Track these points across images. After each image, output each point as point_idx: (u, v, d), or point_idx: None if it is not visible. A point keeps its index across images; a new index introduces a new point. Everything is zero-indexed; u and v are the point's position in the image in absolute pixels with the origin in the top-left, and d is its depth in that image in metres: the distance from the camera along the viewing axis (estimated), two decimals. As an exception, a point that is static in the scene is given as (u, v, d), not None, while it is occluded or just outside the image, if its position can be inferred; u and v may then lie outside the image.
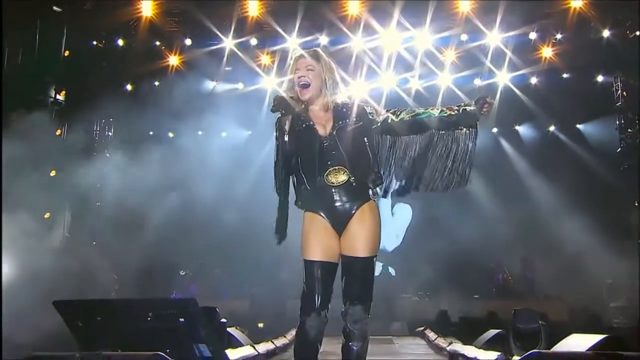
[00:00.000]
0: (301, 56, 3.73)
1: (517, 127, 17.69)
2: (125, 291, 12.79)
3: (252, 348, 7.78)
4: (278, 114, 3.58)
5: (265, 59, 14.24)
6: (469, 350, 7.78)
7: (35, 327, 7.32)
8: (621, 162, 14.45)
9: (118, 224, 12.26)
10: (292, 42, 12.87)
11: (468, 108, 3.66)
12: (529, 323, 7.56)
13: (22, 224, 10.71)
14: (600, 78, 15.16)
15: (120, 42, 13.71)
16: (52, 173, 11.94)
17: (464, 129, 3.72)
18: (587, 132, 16.60)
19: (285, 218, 3.70)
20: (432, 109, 3.71)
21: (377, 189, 3.67)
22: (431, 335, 11.23)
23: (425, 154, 3.76)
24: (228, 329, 7.71)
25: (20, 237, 10.37)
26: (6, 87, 9.92)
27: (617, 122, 14.65)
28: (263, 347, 8.29)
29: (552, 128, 17.25)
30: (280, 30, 12.86)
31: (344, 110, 3.67)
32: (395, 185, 3.81)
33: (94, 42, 13.35)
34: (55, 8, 11.70)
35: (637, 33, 13.17)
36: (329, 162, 3.54)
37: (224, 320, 7.58)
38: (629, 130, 14.28)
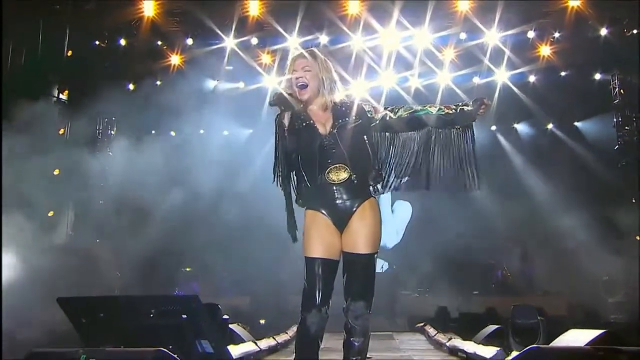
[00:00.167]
0: (298, 56, 3.73)
1: (515, 125, 17.69)
2: (128, 288, 12.80)
3: (253, 344, 7.78)
4: (278, 112, 3.58)
5: (265, 58, 14.23)
6: (468, 345, 7.79)
7: (39, 323, 7.34)
8: (619, 160, 14.45)
9: (121, 222, 12.26)
10: (293, 42, 12.87)
11: (465, 108, 3.66)
12: (528, 319, 7.57)
13: (26, 222, 10.74)
14: (597, 76, 15.15)
15: (123, 42, 13.70)
16: (56, 172, 11.94)
17: (460, 128, 3.72)
18: (585, 129, 16.59)
19: (293, 217, 3.72)
20: (430, 107, 3.71)
21: (378, 186, 3.67)
22: (431, 331, 11.23)
23: (424, 151, 3.76)
24: (230, 326, 7.72)
25: (24, 235, 10.40)
26: (9, 86, 9.93)
27: (615, 120, 14.64)
28: (265, 343, 8.30)
29: (550, 126, 17.24)
30: (281, 30, 12.86)
31: (343, 109, 3.68)
32: (395, 182, 3.81)
33: (97, 42, 13.35)
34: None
35: (635, 31, 13.17)
36: (329, 160, 3.54)
37: (226, 316, 7.58)
38: (626, 127, 14.27)
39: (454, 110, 3.67)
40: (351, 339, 3.48)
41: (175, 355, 3.43)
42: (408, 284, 16.44)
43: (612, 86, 14.74)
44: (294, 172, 3.66)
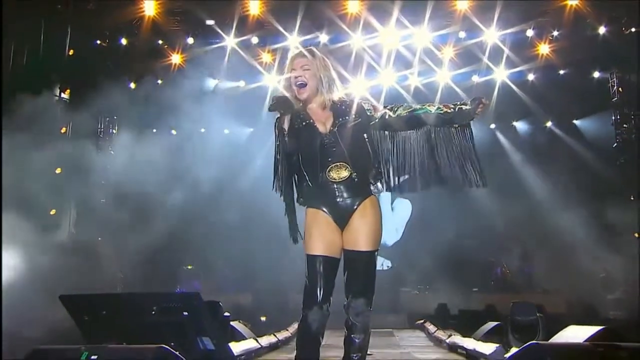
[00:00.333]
0: (297, 55, 3.73)
1: (514, 123, 17.69)
2: (130, 286, 12.81)
3: (255, 341, 7.80)
4: (277, 116, 3.58)
5: (266, 57, 14.22)
6: (468, 342, 7.80)
7: (41, 321, 7.34)
8: (617, 157, 14.46)
9: (123, 220, 12.26)
10: (293, 41, 12.86)
11: (464, 107, 3.68)
12: (527, 315, 7.58)
13: (29, 221, 10.74)
14: (596, 74, 15.15)
15: (124, 41, 13.69)
16: (58, 170, 11.94)
17: (458, 127, 3.72)
18: (584, 127, 16.59)
19: (295, 220, 3.72)
20: (429, 105, 3.72)
21: (378, 184, 3.67)
22: (431, 327, 11.25)
23: (423, 150, 3.76)
24: (231, 323, 7.73)
25: (26, 234, 10.40)
26: (12, 85, 9.92)
27: (613, 118, 14.65)
28: (266, 340, 8.31)
29: (549, 124, 17.23)
30: (281, 29, 12.85)
31: (343, 107, 3.68)
32: (395, 181, 3.81)
33: (98, 41, 13.32)
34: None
35: (633, 29, 13.16)
36: (330, 159, 3.54)
37: (227, 314, 7.59)
38: (624, 125, 14.28)
39: (452, 109, 3.68)
40: (352, 335, 3.49)
41: (177, 352, 3.43)
42: (408, 281, 16.45)
43: (610, 84, 14.75)
44: (295, 173, 3.65)
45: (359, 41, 13.20)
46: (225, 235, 15.00)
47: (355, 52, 13.27)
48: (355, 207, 3.54)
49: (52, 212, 11.59)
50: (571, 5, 12.56)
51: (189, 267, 16.00)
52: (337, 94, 3.72)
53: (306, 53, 3.70)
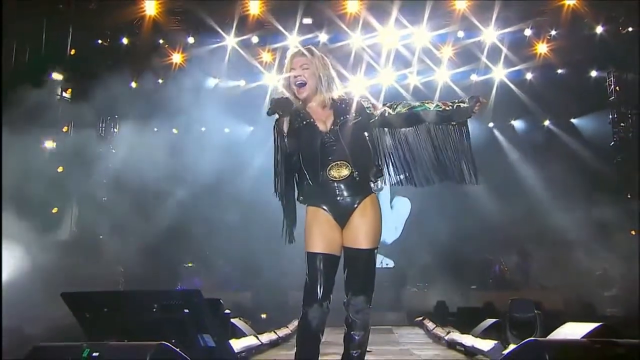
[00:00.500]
0: (296, 54, 3.71)
1: (512, 122, 17.70)
2: (131, 283, 12.82)
3: (255, 338, 7.79)
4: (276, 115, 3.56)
5: (266, 56, 14.24)
6: (466, 339, 7.80)
7: (43, 318, 7.34)
8: (614, 156, 14.46)
9: (124, 218, 12.26)
10: (293, 40, 12.85)
11: (462, 105, 3.68)
12: (525, 312, 7.58)
13: (31, 219, 10.75)
14: (594, 73, 15.16)
15: (125, 41, 13.70)
16: (60, 169, 11.95)
17: (456, 124, 3.71)
18: (581, 126, 16.59)
19: (294, 221, 3.71)
20: (428, 103, 3.72)
21: (378, 182, 3.66)
22: (430, 325, 11.25)
23: (422, 147, 3.75)
24: (232, 320, 7.72)
25: (28, 232, 10.40)
26: (13, 84, 9.92)
27: (610, 117, 14.65)
28: (266, 338, 8.31)
29: (546, 122, 17.24)
30: (281, 28, 12.85)
31: (343, 106, 3.66)
32: (394, 178, 3.80)
33: (99, 41, 13.32)
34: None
35: (630, 29, 13.16)
36: (330, 158, 3.53)
37: (227, 311, 7.58)
38: (621, 124, 14.31)
39: (450, 107, 3.68)
40: (352, 332, 3.48)
41: (178, 349, 3.42)
42: (407, 278, 16.46)
43: (607, 83, 14.76)
44: (295, 172, 3.64)
45: (358, 41, 13.20)
46: (226, 233, 15.00)
47: (355, 51, 13.27)
48: (356, 205, 3.53)
49: (54, 210, 11.59)
50: (569, 5, 12.56)
51: (189, 264, 16.00)
52: (337, 92, 3.71)
53: (305, 52, 3.69)
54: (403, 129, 3.77)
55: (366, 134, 3.64)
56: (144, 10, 12.62)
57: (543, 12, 13.39)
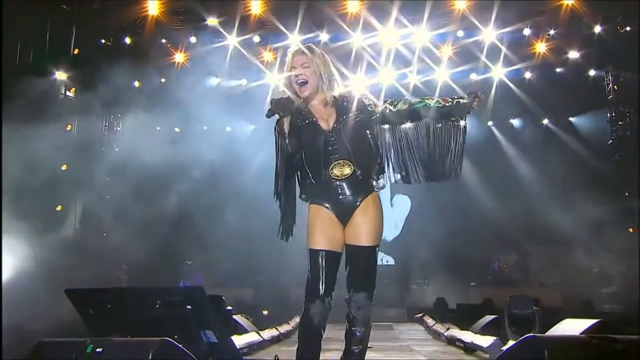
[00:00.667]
0: (296, 53, 3.69)
1: (511, 121, 17.69)
2: (134, 280, 12.83)
3: (257, 334, 7.80)
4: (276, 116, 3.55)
5: (267, 55, 14.24)
6: (466, 335, 7.80)
7: (47, 314, 7.35)
8: (612, 154, 14.45)
9: (127, 217, 12.27)
10: (294, 39, 12.84)
11: (461, 101, 3.67)
12: (524, 309, 7.59)
13: (35, 217, 10.76)
14: (592, 72, 15.12)
15: (128, 40, 13.69)
16: (64, 167, 11.95)
17: (455, 121, 3.70)
18: (580, 124, 16.58)
19: (292, 219, 3.70)
20: (428, 99, 3.71)
21: (380, 180, 3.66)
22: (429, 321, 11.25)
23: (422, 143, 3.74)
24: (234, 316, 7.74)
25: (33, 230, 10.41)
26: (17, 84, 9.92)
27: (609, 115, 14.63)
28: (268, 334, 8.32)
29: (545, 121, 17.23)
30: (282, 28, 12.84)
31: (345, 103, 3.64)
32: (395, 175, 3.79)
33: (102, 41, 13.31)
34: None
35: (628, 28, 13.15)
36: (332, 157, 3.51)
37: (229, 307, 7.60)
38: (620, 122, 14.28)
39: (450, 103, 3.67)
40: (353, 328, 3.48)
41: (180, 345, 3.42)
42: (407, 275, 16.47)
43: (606, 82, 14.73)
44: (297, 171, 3.64)
45: (358, 40, 13.19)
46: (228, 231, 15.01)
47: (355, 50, 13.25)
48: (358, 203, 3.53)
49: (58, 208, 11.60)
50: (567, 5, 12.55)
51: (189, 262, 16.04)
52: (338, 89, 3.69)
53: (305, 50, 3.68)
54: (403, 126, 3.75)
55: (368, 132, 3.63)
56: (147, 10, 12.62)
57: (542, 12, 13.38)
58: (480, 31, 13.25)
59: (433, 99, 3.69)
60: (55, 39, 11.75)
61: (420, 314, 12.81)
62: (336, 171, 3.50)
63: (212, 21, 13.04)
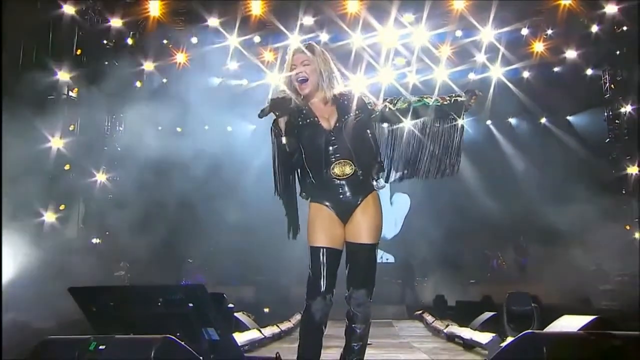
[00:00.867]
0: (297, 51, 3.68)
1: (510, 119, 17.69)
2: (137, 278, 12.84)
3: (258, 332, 7.80)
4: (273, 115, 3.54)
5: (268, 55, 14.24)
6: (465, 332, 7.80)
7: (51, 312, 7.36)
8: (610, 152, 14.45)
9: (129, 216, 12.28)
10: (294, 39, 12.84)
11: (459, 98, 3.67)
12: (522, 305, 7.57)
13: (38, 216, 10.78)
14: (589, 71, 15.12)
15: (130, 41, 13.68)
16: (67, 167, 11.97)
17: (453, 119, 3.70)
18: (577, 123, 16.58)
19: (296, 217, 3.72)
20: (427, 98, 3.70)
21: (381, 179, 3.65)
22: (429, 318, 11.25)
23: (421, 141, 3.74)
24: (235, 314, 7.73)
25: (37, 229, 10.43)
26: (20, 84, 9.93)
27: (605, 114, 14.63)
28: (269, 331, 8.32)
29: (543, 120, 17.23)
30: (283, 28, 12.84)
31: (346, 102, 3.62)
32: (394, 173, 3.79)
33: (105, 41, 13.31)
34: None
35: (624, 28, 13.13)
36: (334, 156, 3.50)
37: (231, 305, 7.59)
38: (616, 121, 14.27)
39: (448, 101, 3.67)
40: (353, 325, 3.48)
41: (183, 343, 3.42)
42: (407, 273, 16.47)
43: (603, 81, 14.73)
44: (297, 169, 3.64)
45: (358, 40, 13.18)
46: (229, 230, 15.03)
47: (355, 50, 13.25)
48: (359, 202, 3.52)
49: (62, 207, 11.62)
50: (564, 5, 12.55)
51: (190, 260, 16.06)
52: (338, 87, 3.68)
53: (306, 48, 3.65)
54: (402, 125, 3.75)
55: (369, 131, 3.62)
56: (148, 11, 12.64)
57: (539, 12, 13.39)
58: (479, 31, 13.26)
59: (432, 98, 3.69)
60: (58, 39, 11.75)
61: (420, 311, 12.82)
62: (337, 170, 3.50)
63: (213, 22, 13.05)
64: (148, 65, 14.00)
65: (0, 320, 5.88)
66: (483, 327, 7.89)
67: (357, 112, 3.59)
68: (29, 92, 10.19)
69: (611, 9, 12.81)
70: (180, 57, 14.16)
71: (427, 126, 3.72)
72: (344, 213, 3.53)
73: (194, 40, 13.92)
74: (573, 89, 15.27)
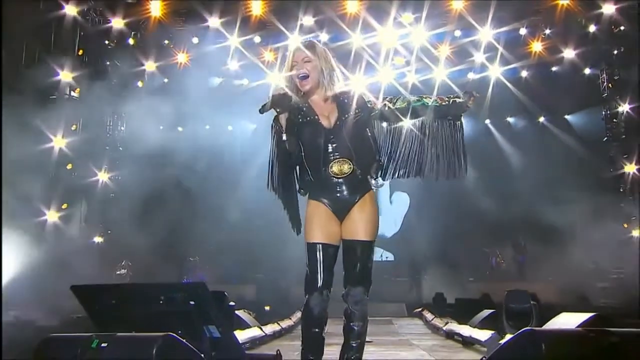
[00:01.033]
0: (298, 49, 3.67)
1: (508, 119, 17.69)
2: (138, 277, 12.85)
3: (259, 329, 7.81)
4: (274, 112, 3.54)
5: (268, 55, 14.24)
6: (464, 329, 7.80)
7: (53, 310, 7.37)
8: (607, 151, 14.44)
9: (131, 215, 12.29)
10: (294, 40, 12.83)
11: (457, 100, 3.66)
12: (521, 303, 7.57)
13: (41, 215, 10.79)
14: (587, 71, 15.11)
15: (131, 41, 13.68)
16: (69, 166, 11.97)
17: (451, 119, 3.70)
18: (575, 122, 16.58)
19: (296, 213, 3.72)
20: (426, 98, 3.70)
21: (379, 178, 3.65)
22: (428, 315, 11.26)
23: (420, 141, 3.73)
24: (236, 312, 7.73)
25: (39, 227, 10.43)
26: (23, 84, 9.94)
27: (603, 113, 14.62)
28: (269, 329, 8.32)
29: (541, 119, 17.23)
30: (283, 28, 12.83)
31: (346, 101, 3.62)
32: (393, 172, 3.78)
33: (106, 41, 13.31)
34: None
35: (622, 28, 13.13)
36: (333, 155, 3.50)
37: (232, 303, 7.58)
38: (614, 120, 14.27)
39: (446, 102, 3.67)
40: (351, 323, 3.47)
41: (184, 340, 3.42)
42: (406, 271, 16.49)
43: (600, 80, 14.72)
44: (296, 166, 3.63)
45: (358, 40, 13.17)
46: (230, 229, 15.03)
47: (355, 50, 13.24)
48: (356, 200, 3.53)
49: (64, 206, 11.62)
50: (562, 5, 12.54)
51: (191, 259, 16.06)
52: (339, 84, 3.67)
53: (307, 46, 3.65)
54: (401, 124, 3.75)
55: (368, 130, 3.63)
56: (150, 12, 12.63)
57: (537, 12, 13.39)
58: (478, 31, 13.25)
59: (431, 98, 3.69)
60: (60, 39, 11.76)
61: (420, 309, 12.82)
62: (335, 169, 3.50)
63: (214, 22, 13.04)
64: (149, 65, 13.99)
65: (0, 320, 5.88)
66: (482, 325, 7.90)
67: (357, 110, 3.58)
68: (32, 91, 10.20)
69: (609, 9, 12.82)
70: (181, 57, 14.15)
71: (427, 125, 3.71)
72: (341, 210, 3.53)
73: (195, 40, 13.91)
74: (571, 88, 15.26)
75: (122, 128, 14.35)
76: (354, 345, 3.47)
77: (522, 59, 14.43)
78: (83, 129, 12.39)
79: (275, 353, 4.63)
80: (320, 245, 3.45)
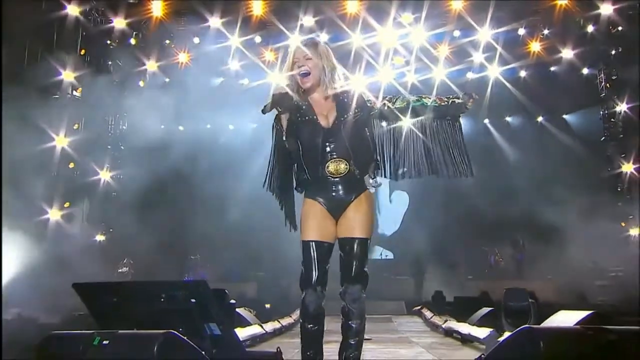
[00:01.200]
0: (299, 47, 3.67)
1: (507, 118, 17.68)
2: (140, 275, 12.85)
3: (259, 327, 7.80)
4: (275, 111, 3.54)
5: (269, 55, 14.23)
6: (463, 327, 7.79)
7: (55, 308, 7.37)
8: (605, 150, 14.44)
9: (133, 213, 12.28)
10: (294, 39, 12.82)
11: (457, 100, 3.66)
12: (520, 301, 7.57)
13: (43, 214, 10.79)
14: (585, 71, 15.10)
15: (133, 41, 13.67)
16: (71, 165, 11.98)
17: (450, 120, 3.70)
18: (573, 122, 16.58)
19: (292, 211, 3.77)
20: (425, 98, 3.69)
21: (377, 178, 3.64)
22: (427, 313, 11.25)
23: (420, 140, 3.73)
24: (237, 310, 7.72)
25: (41, 226, 10.43)
26: (25, 84, 9.93)
27: (601, 112, 14.62)
28: (270, 326, 8.32)
29: (540, 118, 17.22)
30: (283, 28, 12.82)
31: (346, 100, 3.61)
32: (392, 172, 3.78)
33: (108, 41, 13.30)
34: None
35: (620, 28, 13.13)
36: (330, 154, 3.49)
37: (233, 301, 7.58)
38: (612, 120, 14.26)
39: (446, 102, 3.67)
40: (349, 321, 3.46)
41: (185, 338, 3.42)
42: (406, 269, 16.48)
43: (598, 80, 14.71)
44: (294, 165, 3.63)
45: (358, 40, 13.17)
46: (231, 227, 15.02)
47: (355, 50, 13.23)
48: (352, 199, 3.52)
49: (66, 204, 11.63)
50: (561, 5, 12.54)
51: (192, 257, 16.06)
52: (340, 82, 3.67)
53: (309, 44, 3.65)
54: (400, 123, 3.74)
55: (367, 130, 3.62)
56: (151, 12, 12.63)
57: (536, 12, 13.39)
58: (476, 31, 13.25)
59: (430, 98, 3.68)
60: (62, 39, 11.76)
61: (419, 307, 12.81)
62: (331, 168, 3.49)
63: (215, 22, 13.04)
64: (151, 65, 13.98)
65: (0, 320, 5.89)
66: (481, 322, 7.89)
67: (356, 110, 3.57)
68: (34, 91, 10.20)
69: (606, 9, 12.82)
70: (182, 57, 14.15)
71: (426, 125, 3.71)
72: (337, 209, 3.52)
73: (196, 40, 13.90)
74: (569, 88, 15.26)
75: (124, 127, 14.34)
76: (352, 343, 3.47)
77: (520, 59, 14.43)
78: (85, 128, 12.39)
79: (275, 350, 4.63)
80: (315, 243, 3.46)
